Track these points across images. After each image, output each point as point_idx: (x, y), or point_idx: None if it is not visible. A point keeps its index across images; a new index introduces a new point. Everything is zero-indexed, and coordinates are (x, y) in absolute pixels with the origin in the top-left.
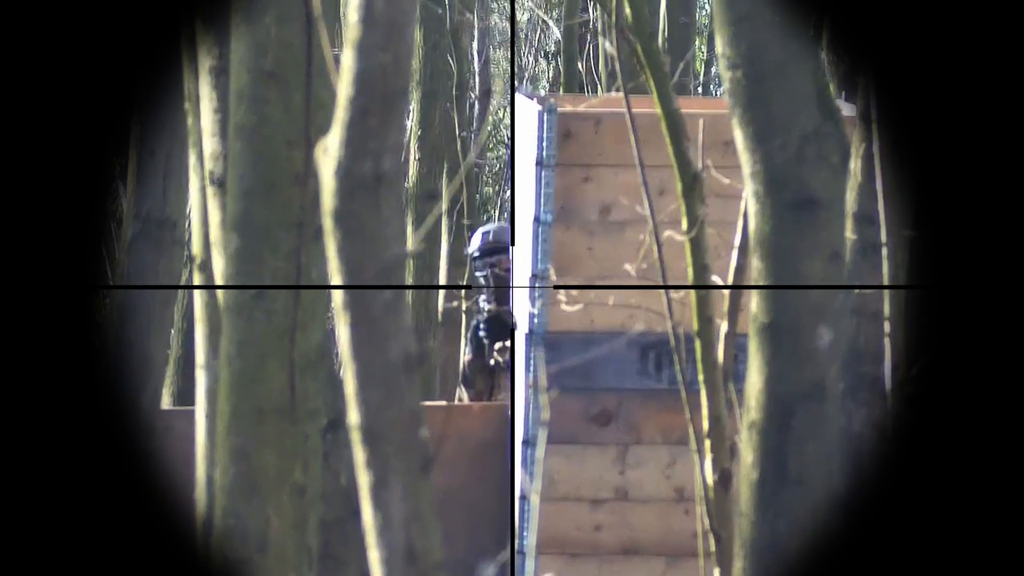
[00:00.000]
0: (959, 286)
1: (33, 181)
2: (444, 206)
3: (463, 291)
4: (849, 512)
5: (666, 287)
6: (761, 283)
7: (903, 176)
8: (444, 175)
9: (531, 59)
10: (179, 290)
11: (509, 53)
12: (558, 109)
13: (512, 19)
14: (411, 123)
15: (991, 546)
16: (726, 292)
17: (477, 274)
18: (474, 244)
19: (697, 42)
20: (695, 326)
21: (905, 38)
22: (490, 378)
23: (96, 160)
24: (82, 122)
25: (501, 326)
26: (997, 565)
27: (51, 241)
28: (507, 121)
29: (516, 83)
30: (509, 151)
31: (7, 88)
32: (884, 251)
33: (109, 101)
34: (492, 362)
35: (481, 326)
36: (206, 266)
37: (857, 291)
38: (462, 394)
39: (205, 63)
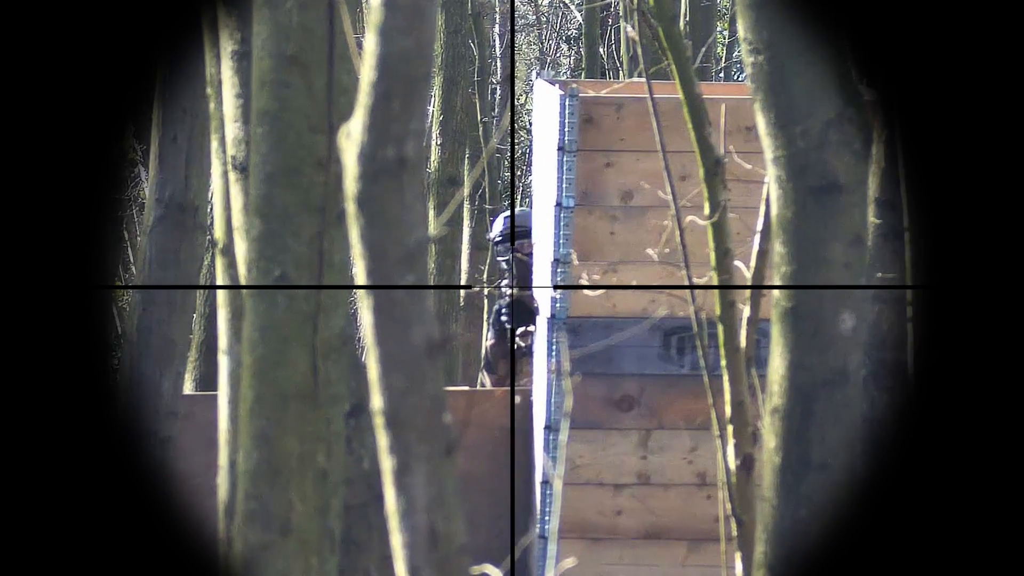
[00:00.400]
0: (967, 280)
1: (53, 168)
2: (466, 191)
3: (484, 276)
4: (871, 498)
5: (691, 287)
6: (783, 268)
7: (925, 162)
8: (466, 160)
9: (552, 44)
10: (201, 275)
11: (510, 36)
12: (579, 94)
13: (512, 9)
14: (433, 108)
15: (1014, 531)
16: (748, 277)
17: (499, 259)
18: (496, 229)
19: (719, 26)
20: (717, 311)
21: (927, 26)
22: (512, 363)
23: (116, 147)
24: (103, 108)
25: (523, 310)
26: (1019, 551)
27: (70, 232)
28: (529, 106)
29: (539, 68)
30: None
31: (28, 73)
32: (907, 236)
33: (132, 86)
34: (515, 347)
35: (503, 311)
36: (228, 250)
37: (879, 276)
38: (484, 379)
39: (227, 48)
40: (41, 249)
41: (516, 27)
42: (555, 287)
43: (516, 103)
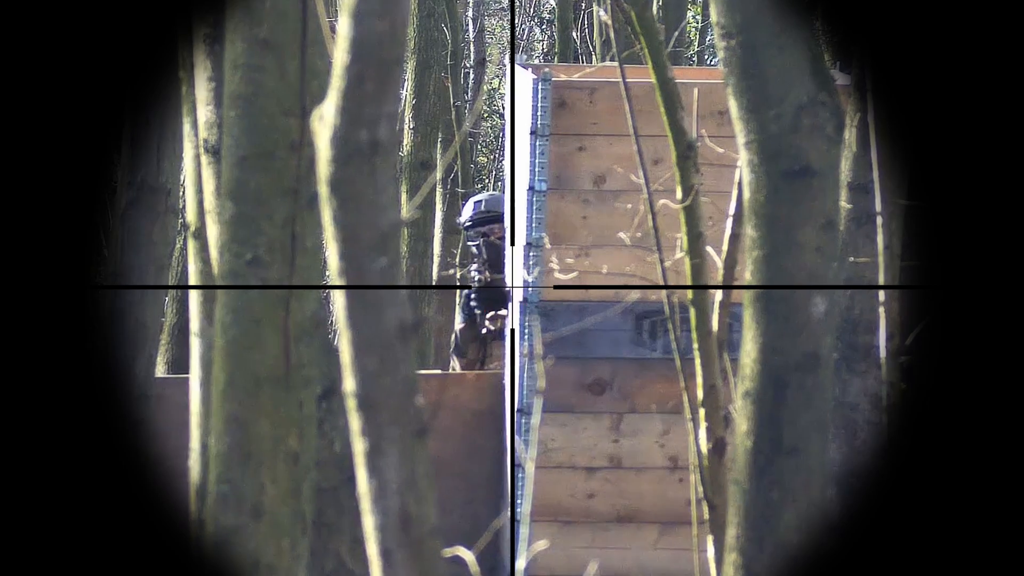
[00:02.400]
0: (949, 267)
1: (26, 158)
2: (438, 175)
3: (457, 260)
4: (844, 482)
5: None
6: (755, 252)
7: (897, 146)
8: (438, 144)
9: (526, 28)
10: (173, 258)
11: (509, 24)
12: (553, 78)
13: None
14: (406, 92)
15: (989, 517)
16: (720, 261)
17: (469, 244)
18: (466, 213)
19: (691, 10)
20: (689, 295)
21: (899, 10)
22: (482, 347)
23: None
24: (78, 95)
25: (493, 295)
26: (993, 536)
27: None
28: (503, 90)
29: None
30: (509, 123)
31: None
32: (879, 220)
33: (104, 72)
34: (484, 331)
35: (472, 295)
36: (200, 234)
37: (851, 260)
38: (454, 363)
39: (199, 31)
40: (36, 248)
41: (488, 11)
42: (554, 287)
43: (488, 87)
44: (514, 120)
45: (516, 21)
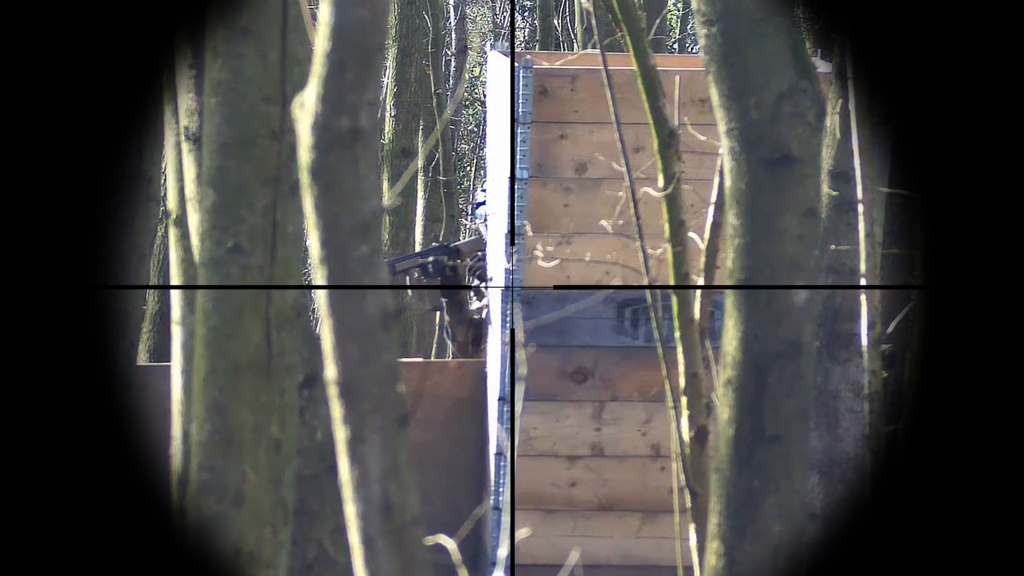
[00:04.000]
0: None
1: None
2: (420, 162)
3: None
4: (826, 470)
5: (653, 285)
6: (737, 240)
7: (879, 133)
8: (420, 132)
9: (506, 15)
10: (154, 248)
11: (510, 14)
12: (534, 66)
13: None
14: (387, 79)
15: (972, 504)
16: (702, 248)
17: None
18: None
19: None
20: (672, 283)
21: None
22: (471, 329)
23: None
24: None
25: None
26: (977, 523)
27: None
28: (484, 78)
29: (492, 40)
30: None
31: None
32: (860, 208)
33: (85, 61)
34: (475, 316)
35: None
36: (181, 221)
37: (833, 248)
38: (450, 346)
39: (180, 19)
40: (39, 248)
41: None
42: (555, 287)
43: (469, 75)
44: (515, 111)
45: (495, 7)
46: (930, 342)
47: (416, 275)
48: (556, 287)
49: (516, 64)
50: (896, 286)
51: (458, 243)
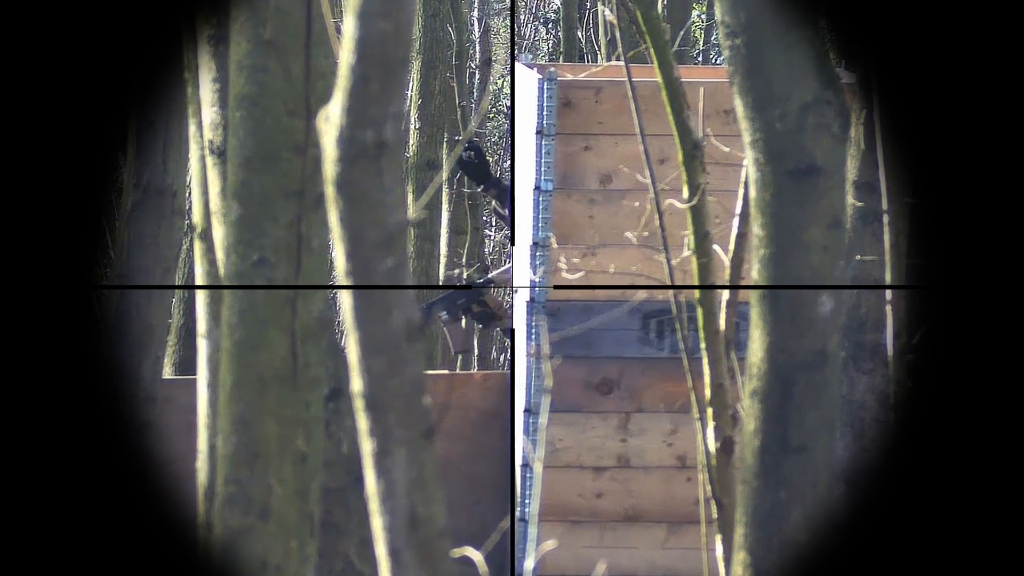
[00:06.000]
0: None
1: (30, 159)
2: (444, 175)
3: (463, 260)
4: (852, 480)
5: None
6: (762, 251)
7: (903, 144)
8: (444, 144)
9: (531, 28)
10: (179, 260)
11: (510, 22)
12: (558, 78)
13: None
14: (411, 92)
15: (996, 513)
16: (727, 260)
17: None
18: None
19: (697, 9)
20: (696, 294)
21: (904, 8)
22: (461, 334)
23: (97, 134)
24: (81, 95)
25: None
26: (1001, 532)
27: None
28: (507, 90)
29: (515, 52)
30: (509, 122)
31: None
32: (885, 218)
33: (108, 72)
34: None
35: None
36: (206, 235)
37: (858, 258)
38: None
39: (203, 32)
40: (41, 249)
41: (492, 10)
42: (552, 286)
43: (494, 87)
44: (514, 119)
45: (519, 20)
46: (951, 346)
47: (445, 316)
48: (557, 287)
49: (522, 64)
50: (915, 286)
51: (488, 278)
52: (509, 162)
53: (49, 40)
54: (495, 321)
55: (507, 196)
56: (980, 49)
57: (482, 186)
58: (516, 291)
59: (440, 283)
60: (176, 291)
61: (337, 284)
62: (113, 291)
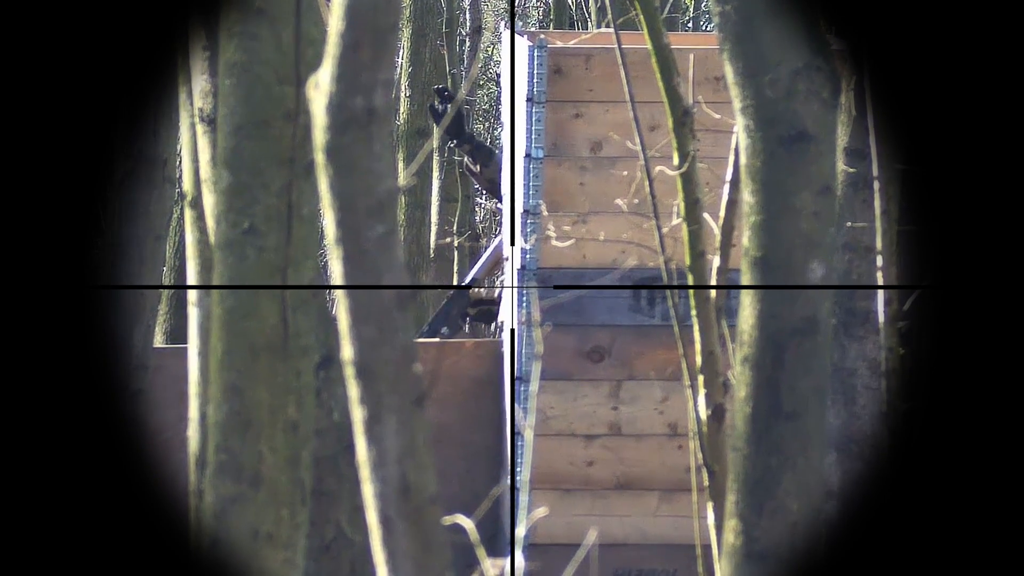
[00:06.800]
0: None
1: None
2: (435, 143)
3: (455, 228)
4: (843, 447)
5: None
6: (752, 218)
7: (893, 111)
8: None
9: None
10: (170, 230)
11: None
12: (548, 45)
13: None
14: (401, 60)
15: (990, 485)
16: (717, 227)
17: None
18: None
19: None
20: (687, 261)
21: None
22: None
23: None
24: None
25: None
26: (995, 504)
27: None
28: (498, 58)
29: (504, 19)
30: (509, 91)
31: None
32: (876, 185)
33: (99, 43)
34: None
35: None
36: (197, 203)
37: (849, 225)
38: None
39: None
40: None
41: None
42: (554, 286)
43: (484, 55)
44: (513, 89)
45: None
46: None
47: (446, 331)
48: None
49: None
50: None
51: (472, 274)
52: (501, 130)
53: (34, 14)
54: (495, 314)
55: (480, 153)
56: (974, 17)
57: (454, 140)
58: (507, 260)
59: (431, 253)
60: (167, 260)
61: (336, 286)
62: (105, 260)
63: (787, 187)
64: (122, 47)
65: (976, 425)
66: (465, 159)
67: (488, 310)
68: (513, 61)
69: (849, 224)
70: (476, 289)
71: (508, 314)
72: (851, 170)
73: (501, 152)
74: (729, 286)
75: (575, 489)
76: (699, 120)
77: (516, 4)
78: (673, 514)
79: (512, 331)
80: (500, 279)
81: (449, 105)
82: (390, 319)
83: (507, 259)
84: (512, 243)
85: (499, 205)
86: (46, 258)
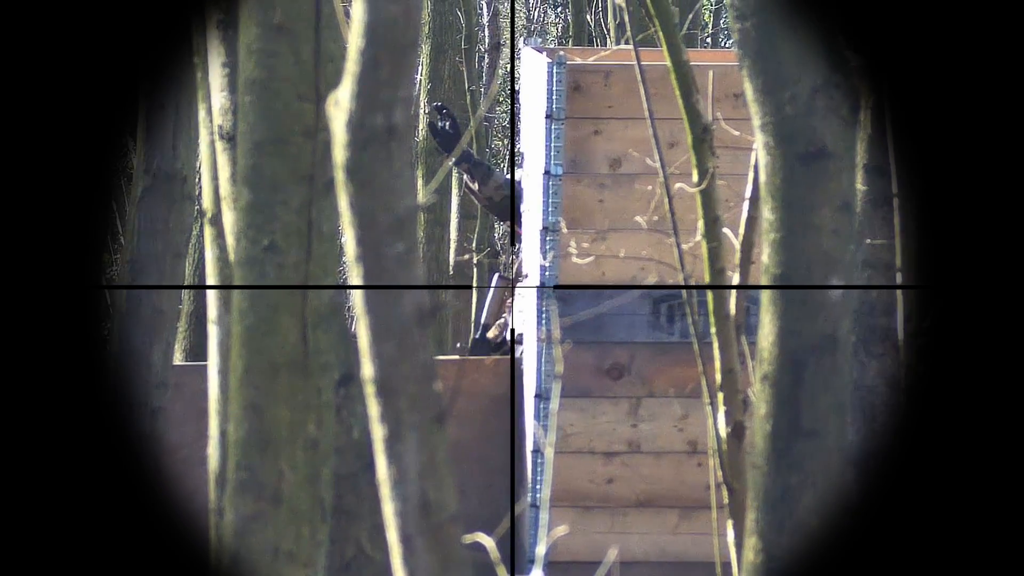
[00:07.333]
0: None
1: (38, 146)
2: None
3: (473, 244)
4: (862, 465)
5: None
6: (772, 235)
7: (912, 128)
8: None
9: (540, 11)
10: (189, 247)
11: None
12: (567, 62)
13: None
14: (420, 76)
15: (1008, 498)
16: (737, 244)
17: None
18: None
19: None
20: (707, 278)
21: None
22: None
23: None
24: (90, 78)
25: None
26: (1012, 517)
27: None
28: (517, 74)
29: (523, 36)
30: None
31: (11, 49)
32: (895, 202)
33: (118, 57)
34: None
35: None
36: (216, 220)
37: (869, 242)
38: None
39: (212, 17)
40: (39, 248)
41: None
42: (563, 287)
43: (503, 71)
44: (513, 102)
45: (528, 3)
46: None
47: None
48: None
49: (531, 48)
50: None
51: (483, 319)
52: (513, 147)
53: (58, 24)
54: (515, 343)
55: (478, 171)
56: (993, 33)
57: (452, 159)
58: (524, 277)
59: (450, 270)
60: (187, 277)
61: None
62: (123, 276)
63: (807, 204)
64: (142, 63)
65: (989, 436)
66: (464, 177)
67: (505, 342)
68: (513, 71)
69: (868, 241)
70: (491, 335)
71: (521, 322)
72: (864, 188)
73: (501, 170)
74: (750, 286)
75: (595, 507)
76: (718, 137)
77: (530, 19)
78: (693, 532)
79: (517, 339)
80: (509, 315)
81: (447, 123)
82: (410, 337)
83: (517, 276)
84: (512, 244)
85: (497, 222)
86: (65, 272)
